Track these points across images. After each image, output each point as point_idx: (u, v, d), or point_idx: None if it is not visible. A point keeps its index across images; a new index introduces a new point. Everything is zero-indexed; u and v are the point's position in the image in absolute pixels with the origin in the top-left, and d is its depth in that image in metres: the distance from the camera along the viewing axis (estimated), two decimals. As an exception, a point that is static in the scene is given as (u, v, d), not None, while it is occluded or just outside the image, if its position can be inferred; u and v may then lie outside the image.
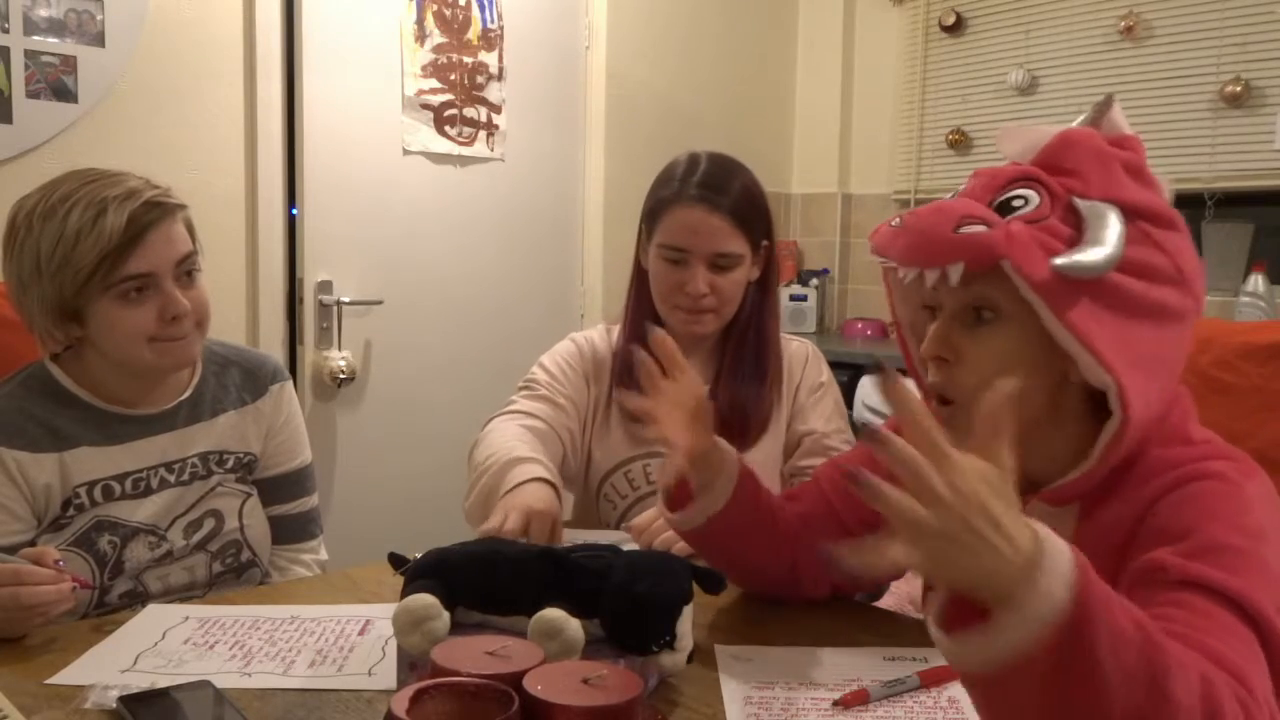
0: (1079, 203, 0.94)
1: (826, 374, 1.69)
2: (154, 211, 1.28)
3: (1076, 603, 0.64)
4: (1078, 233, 0.93)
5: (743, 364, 1.63)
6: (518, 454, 1.44)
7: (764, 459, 1.58)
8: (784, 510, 1.22)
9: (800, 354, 1.69)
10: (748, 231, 1.57)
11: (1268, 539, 0.86)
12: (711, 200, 1.54)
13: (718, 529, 1.15)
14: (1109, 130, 1.01)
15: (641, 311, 1.64)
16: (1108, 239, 0.92)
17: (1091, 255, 0.91)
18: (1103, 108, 1.02)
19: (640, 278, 1.66)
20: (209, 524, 1.41)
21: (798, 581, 1.22)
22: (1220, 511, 0.89)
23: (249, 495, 1.46)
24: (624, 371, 1.62)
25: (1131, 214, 0.95)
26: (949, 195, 1.03)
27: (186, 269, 1.33)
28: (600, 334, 1.72)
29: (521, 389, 1.66)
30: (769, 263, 1.65)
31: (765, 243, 1.63)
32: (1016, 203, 0.96)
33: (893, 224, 0.98)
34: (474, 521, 1.41)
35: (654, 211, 1.60)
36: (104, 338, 1.31)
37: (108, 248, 1.24)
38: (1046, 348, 0.94)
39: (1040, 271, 0.89)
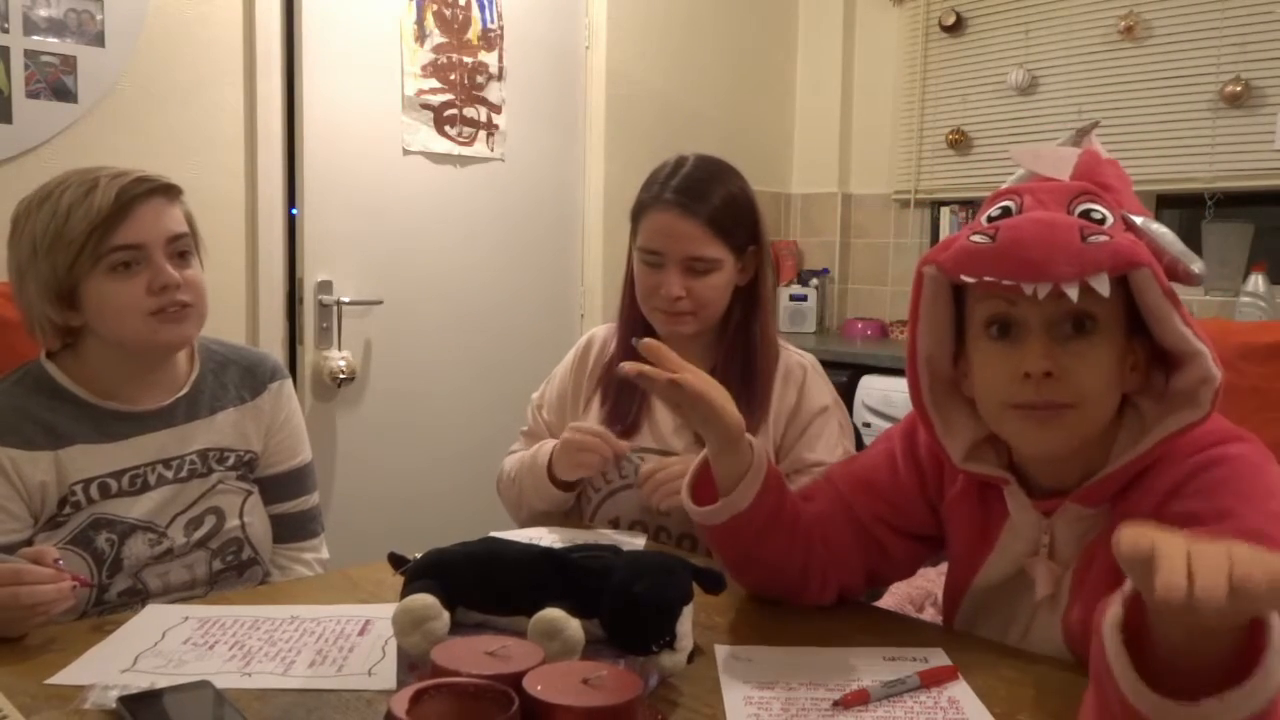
0: (1132, 218, 0.98)
1: (830, 395, 1.64)
2: (143, 186, 1.31)
3: None
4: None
5: (731, 372, 1.59)
6: (542, 450, 1.64)
7: None
8: (803, 512, 1.21)
9: (797, 370, 1.63)
10: (725, 237, 1.56)
11: None
12: (685, 205, 1.54)
13: (740, 525, 1.14)
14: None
15: (634, 310, 1.65)
16: (1189, 251, 0.98)
17: (1200, 264, 0.98)
18: (1086, 131, 1.08)
19: (632, 276, 1.67)
20: (210, 521, 1.41)
21: (805, 586, 1.21)
22: (1250, 494, 0.93)
23: (250, 493, 1.46)
24: (607, 375, 1.69)
25: None
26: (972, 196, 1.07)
27: (180, 249, 1.34)
28: (608, 329, 1.77)
29: (522, 432, 1.79)
30: (760, 267, 1.63)
31: (752, 247, 1.61)
32: (1095, 215, 0.97)
33: (974, 239, 0.96)
34: (528, 503, 1.67)
35: (635, 214, 1.62)
36: (100, 318, 1.31)
37: (97, 220, 1.27)
38: (1123, 356, 1.00)
39: (1165, 279, 0.94)
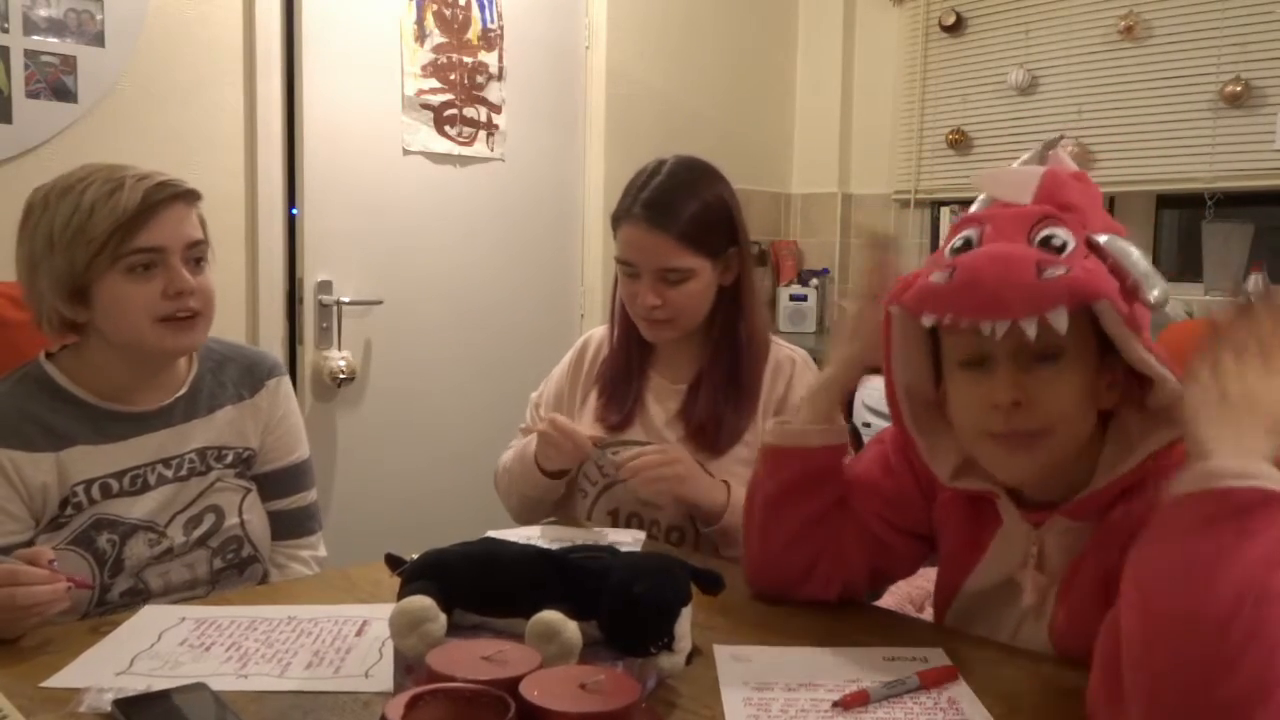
0: (1096, 238, 0.97)
1: None
2: (168, 190, 1.31)
3: None
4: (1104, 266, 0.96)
5: (719, 370, 1.62)
6: (532, 441, 1.65)
7: (735, 468, 1.57)
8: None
9: (786, 364, 1.65)
10: (698, 246, 1.56)
11: None
12: (655, 220, 1.55)
13: (811, 461, 1.21)
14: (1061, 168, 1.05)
15: (625, 311, 1.68)
16: (1153, 272, 0.96)
17: (1161, 288, 0.96)
18: (1051, 145, 1.07)
19: None
20: (209, 520, 1.41)
21: (810, 577, 1.22)
22: None
23: (249, 491, 1.46)
24: (603, 372, 1.71)
25: None
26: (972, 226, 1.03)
27: (195, 256, 1.35)
28: (605, 331, 1.78)
29: (520, 429, 1.78)
30: (744, 266, 1.64)
31: (733, 249, 1.62)
32: (1055, 241, 0.97)
33: (934, 279, 0.96)
34: (523, 489, 1.68)
35: (612, 224, 1.65)
36: (110, 318, 1.31)
37: (122, 219, 1.27)
38: (1094, 379, 1.00)
39: (1125, 307, 0.94)
